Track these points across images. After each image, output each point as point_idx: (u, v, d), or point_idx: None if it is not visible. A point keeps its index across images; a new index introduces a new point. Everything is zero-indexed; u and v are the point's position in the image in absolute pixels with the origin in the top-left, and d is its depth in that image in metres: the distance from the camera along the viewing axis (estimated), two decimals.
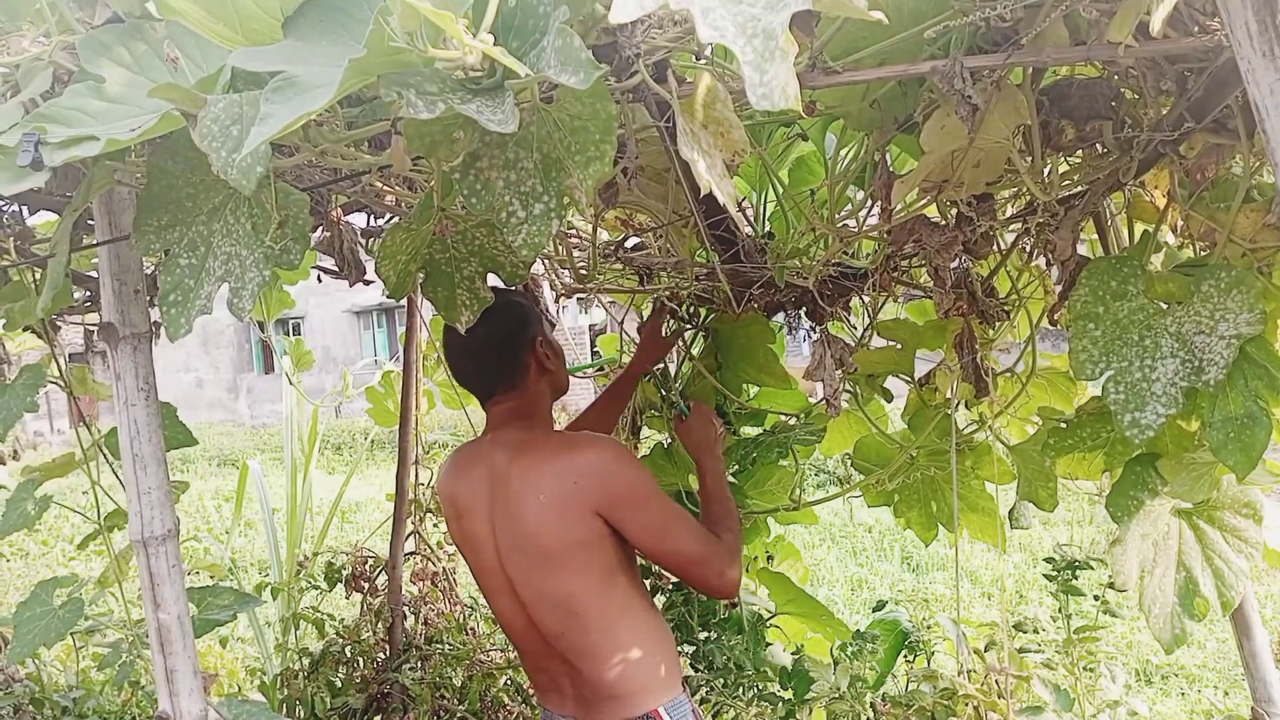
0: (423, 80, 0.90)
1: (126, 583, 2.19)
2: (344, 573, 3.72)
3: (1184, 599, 1.66)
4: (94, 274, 2.31)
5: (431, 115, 0.87)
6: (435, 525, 3.83)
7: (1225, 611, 1.67)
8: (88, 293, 2.41)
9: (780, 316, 2.49)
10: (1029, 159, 1.43)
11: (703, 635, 2.76)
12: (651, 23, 1.03)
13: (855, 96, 1.42)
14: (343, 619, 3.85)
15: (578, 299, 2.62)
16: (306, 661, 3.62)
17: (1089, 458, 1.85)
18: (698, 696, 2.67)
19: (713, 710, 2.68)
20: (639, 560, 2.07)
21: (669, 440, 2.83)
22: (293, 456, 4.95)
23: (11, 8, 1.21)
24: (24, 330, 2.27)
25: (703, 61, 1.17)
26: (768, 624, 2.84)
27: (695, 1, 0.78)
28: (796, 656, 2.75)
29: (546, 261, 2.39)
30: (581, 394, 15.08)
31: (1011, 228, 1.83)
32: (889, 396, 2.44)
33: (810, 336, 2.31)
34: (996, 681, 2.46)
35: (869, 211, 1.83)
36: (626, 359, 2.94)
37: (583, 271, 2.30)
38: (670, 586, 2.89)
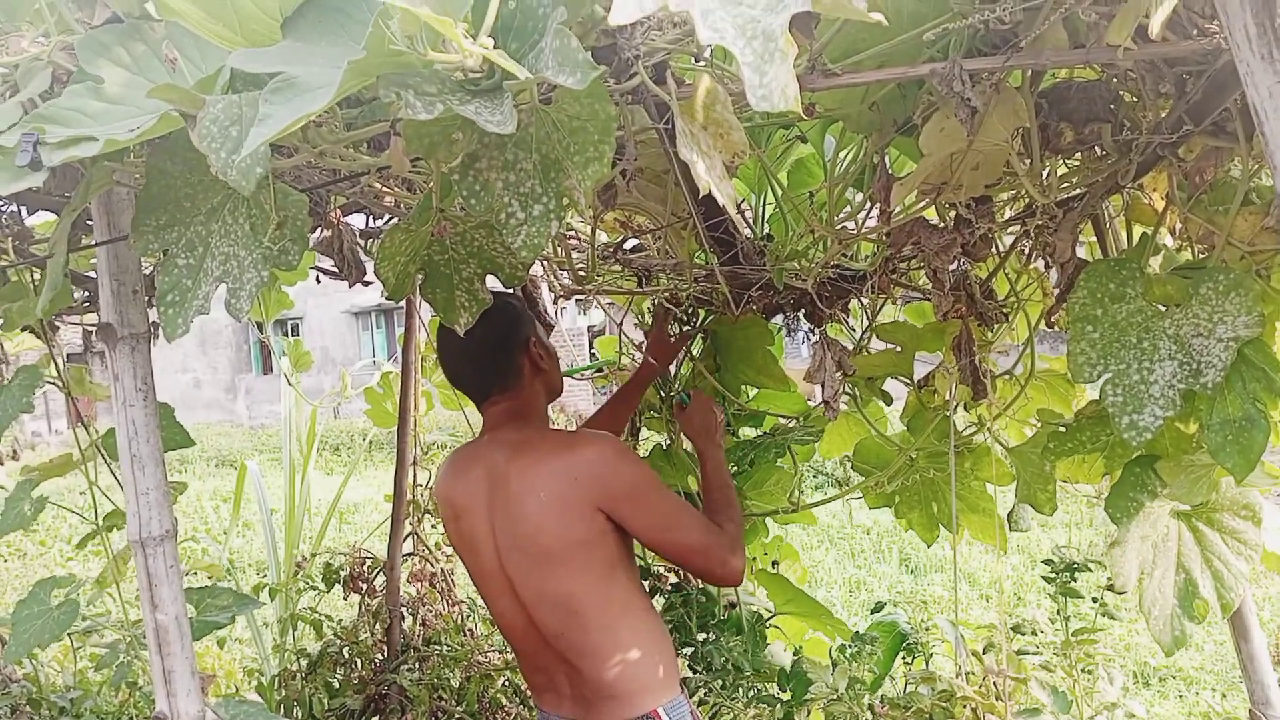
0: (421, 81, 0.90)
1: (124, 583, 2.19)
2: (342, 574, 3.71)
3: (1183, 601, 1.66)
4: (92, 274, 2.31)
5: (430, 116, 0.87)
6: (433, 526, 3.82)
7: (1225, 613, 1.67)
8: (86, 293, 2.41)
9: (779, 318, 2.49)
10: (1028, 161, 1.43)
11: (701, 636, 2.76)
12: (651, 24, 1.03)
13: (854, 99, 1.42)
14: (340, 620, 3.85)
15: (576, 300, 2.62)
16: (304, 662, 3.62)
17: (1088, 460, 1.85)
18: (696, 698, 2.67)
19: (711, 711, 2.68)
20: (638, 561, 2.07)
21: (668, 441, 2.83)
22: (291, 457, 4.95)
23: (10, 8, 1.21)
24: (22, 330, 2.27)
25: (702, 63, 1.17)
26: (767, 624, 2.84)
27: (695, 3, 0.77)
28: (795, 658, 2.75)
29: (545, 263, 2.39)
30: (580, 395, 15.09)
31: (1010, 230, 1.83)
32: (888, 399, 2.44)
33: (809, 338, 2.31)
34: (994, 683, 2.46)
35: (868, 214, 1.83)
36: (625, 360, 2.94)
37: (581, 273, 2.30)
38: (669, 588, 2.89)
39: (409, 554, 3.79)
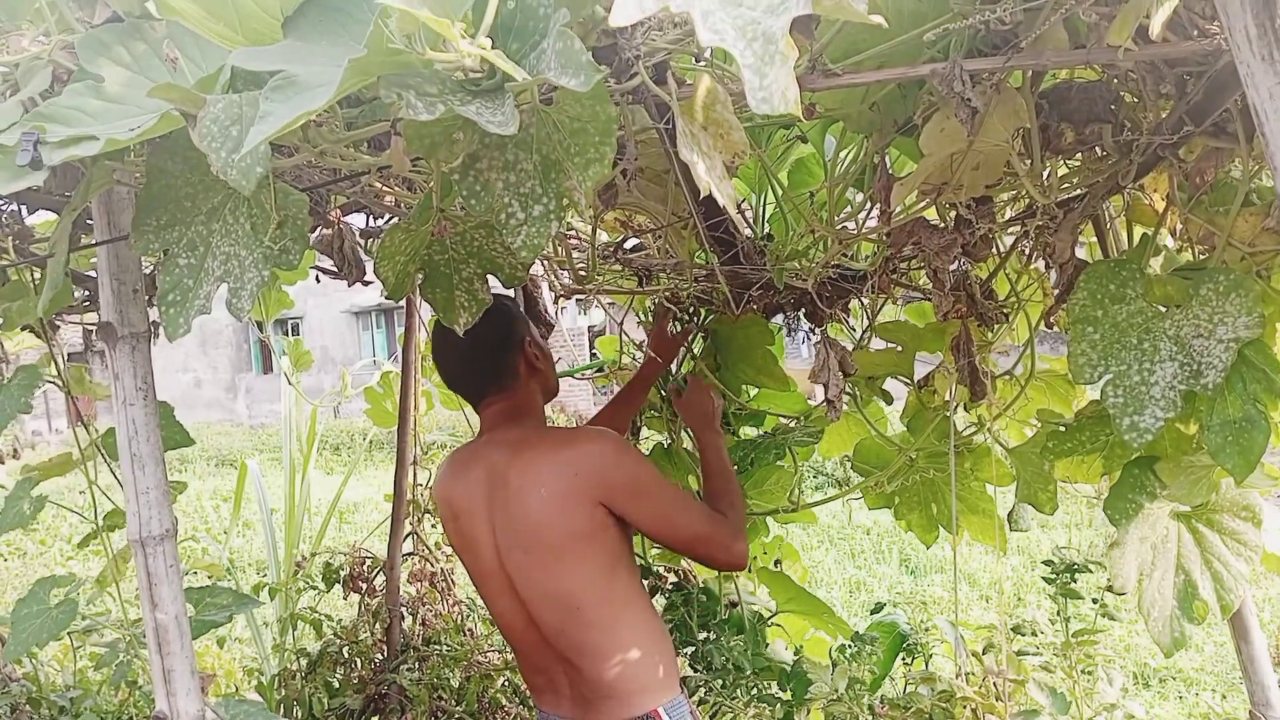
0: (422, 81, 0.90)
1: (124, 582, 2.19)
2: (342, 573, 3.71)
3: (1183, 602, 1.66)
4: (93, 274, 2.31)
5: (431, 117, 0.87)
6: (433, 526, 3.82)
7: (1225, 615, 1.67)
8: (86, 292, 2.41)
9: (779, 318, 2.49)
10: (1028, 162, 1.43)
11: (702, 636, 2.76)
12: (651, 25, 1.03)
13: (855, 99, 1.42)
14: (340, 619, 3.85)
15: (577, 300, 2.62)
16: (304, 662, 3.62)
17: (1088, 461, 1.85)
18: (696, 697, 2.67)
19: (711, 711, 2.68)
20: (638, 560, 2.07)
21: (669, 441, 2.83)
22: (291, 457, 4.95)
23: (11, 7, 1.20)
24: (22, 329, 2.27)
25: (702, 64, 1.17)
26: (769, 623, 2.85)
27: (695, 4, 0.77)
28: (795, 659, 2.75)
29: (545, 263, 2.39)
30: (580, 396, 15.09)
31: (1010, 230, 1.83)
32: (889, 399, 2.44)
33: (809, 338, 2.31)
34: (994, 684, 2.46)
35: (868, 214, 1.83)
36: (626, 360, 2.94)
37: (582, 273, 2.30)
38: (670, 587, 2.89)
39: (409, 554, 3.79)
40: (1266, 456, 1.41)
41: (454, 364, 2.05)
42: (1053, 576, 2.51)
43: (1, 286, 1.99)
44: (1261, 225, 1.46)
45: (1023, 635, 2.58)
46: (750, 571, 2.97)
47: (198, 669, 1.44)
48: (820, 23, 1.09)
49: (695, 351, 2.67)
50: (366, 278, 1.97)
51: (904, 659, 2.86)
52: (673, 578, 2.92)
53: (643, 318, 2.78)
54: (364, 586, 3.70)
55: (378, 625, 3.67)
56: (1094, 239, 1.87)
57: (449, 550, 3.78)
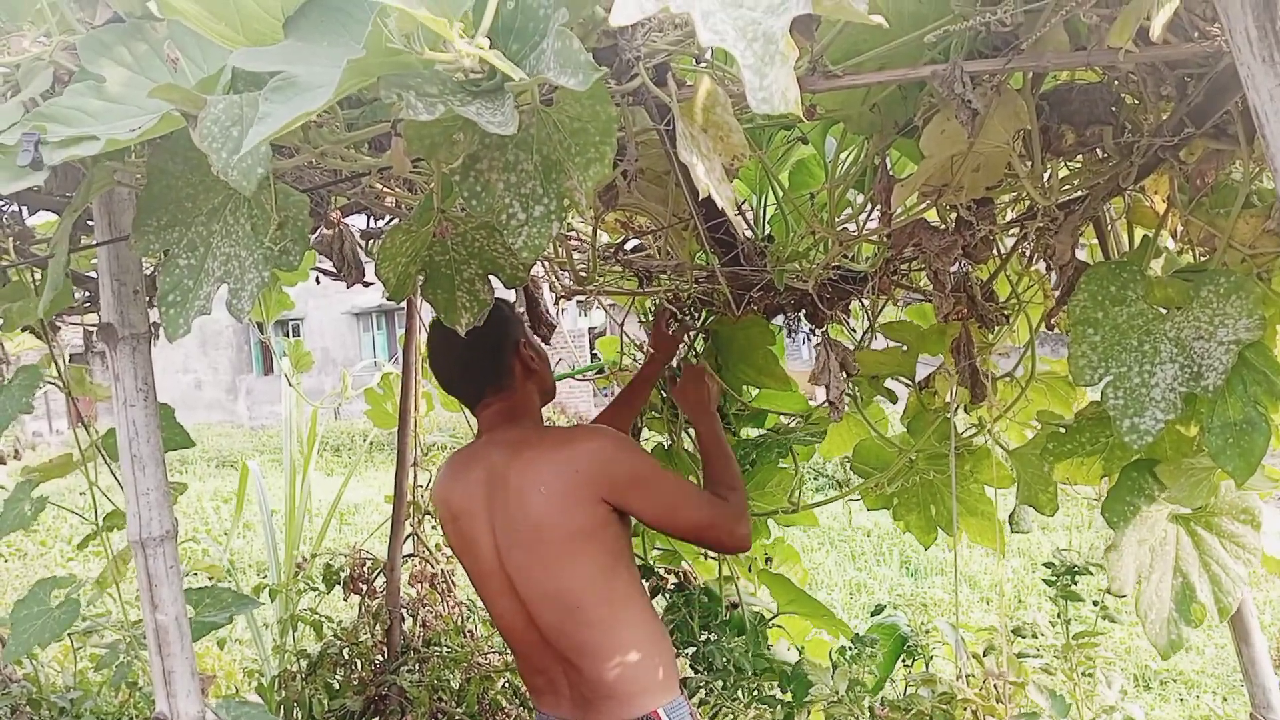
0: (423, 82, 0.90)
1: (124, 583, 2.19)
2: (342, 575, 3.71)
3: (1180, 605, 1.66)
4: (93, 274, 2.31)
5: (431, 117, 0.87)
6: (434, 527, 3.82)
7: (1222, 618, 1.67)
8: (87, 293, 2.41)
9: (780, 319, 2.49)
10: (1029, 163, 1.43)
11: (703, 637, 2.76)
12: (652, 26, 1.03)
13: (855, 100, 1.42)
14: (341, 621, 3.85)
15: (577, 301, 2.62)
16: (304, 663, 3.62)
17: (1088, 463, 1.85)
18: (696, 698, 2.67)
19: (711, 712, 2.68)
20: (638, 561, 2.08)
21: (669, 441, 2.83)
22: (291, 458, 4.95)
23: (12, 8, 1.21)
24: (23, 330, 2.27)
25: (703, 65, 1.17)
26: (770, 624, 2.85)
27: (695, 5, 0.77)
28: (797, 660, 2.75)
29: (546, 264, 2.39)
30: (581, 397, 15.09)
31: (1011, 232, 1.83)
32: (893, 398, 2.44)
33: (809, 339, 2.31)
34: (995, 686, 2.45)
35: (869, 215, 1.83)
36: (627, 361, 2.94)
37: (582, 274, 2.30)
38: (671, 588, 2.89)
39: (409, 555, 3.79)
40: (1267, 459, 1.41)
41: (450, 368, 2.06)
42: (1053, 579, 2.51)
43: (2, 287, 1.99)
44: (1262, 227, 1.46)
45: (1023, 637, 2.58)
46: (751, 573, 2.97)
47: (198, 670, 1.44)
48: (821, 24, 1.09)
49: (697, 350, 2.67)
50: (367, 279, 1.97)
51: (904, 661, 2.86)
52: (674, 579, 2.92)
53: (643, 319, 2.78)
54: (364, 588, 3.70)
55: (378, 627, 3.67)
56: (1095, 241, 1.87)
57: (449, 552, 3.78)
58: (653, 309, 2.70)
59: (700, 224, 1.87)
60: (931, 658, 2.88)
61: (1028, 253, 1.87)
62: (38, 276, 2.01)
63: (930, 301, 2.10)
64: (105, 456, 2.07)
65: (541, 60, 0.90)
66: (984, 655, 2.55)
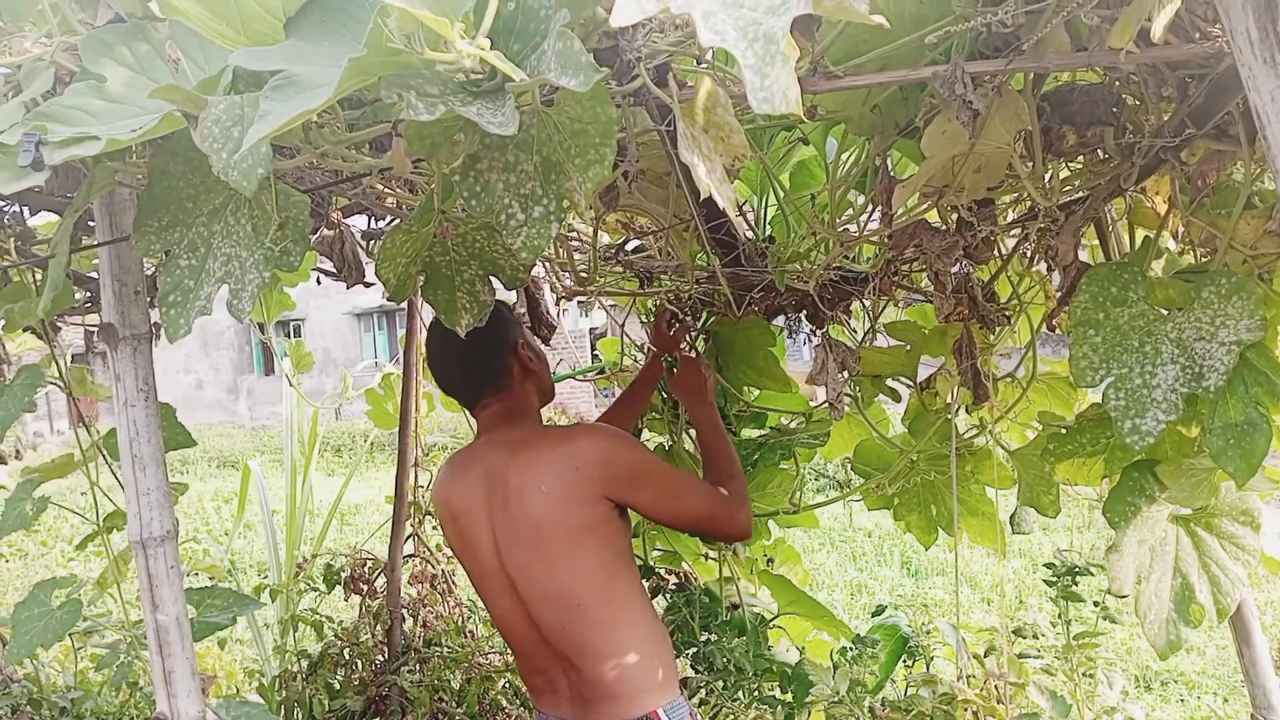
0: (423, 82, 0.90)
1: (125, 584, 2.19)
2: (343, 575, 3.71)
3: (1180, 605, 1.66)
4: (94, 275, 2.31)
5: (432, 117, 0.87)
6: (434, 528, 3.82)
7: (1221, 618, 1.67)
8: (88, 293, 2.41)
9: (780, 320, 2.49)
10: (1030, 164, 1.43)
11: (704, 637, 2.76)
12: (653, 26, 1.03)
13: (856, 101, 1.42)
14: (341, 621, 3.85)
15: (578, 302, 2.62)
16: (305, 664, 3.62)
17: (1089, 463, 1.85)
18: (696, 699, 2.67)
19: (711, 713, 2.68)
20: (638, 561, 2.08)
21: (670, 442, 2.83)
22: (292, 458, 4.95)
23: (14, 8, 1.21)
24: (24, 331, 2.27)
25: (704, 66, 1.17)
26: (770, 625, 2.84)
27: (696, 5, 0.77)
28: (798, 660, 2.75)
29: (547, 264, 2.39)
30: (581, 397, 15.09)
31: (1012, 233, 1.83)
32: (896, 397, 2.44)
33: (810, 340, 2.32)
34: (995, 687, 2.45)
35: (870, 216, 1.83)
36: (628, 361, 2.95)
37: (583, 274, 2.31)
38: (672, 589, 2.89)
39: (410, 555, 3.80)
40: (1268, 459, 1.41)
41: (449, 369, 2.07)
42: (1054, 579, 2.51)
43: (3, 288, 1.99)
44: (1263, 228, 1.45)
45: (1024, 638, 2.58)
46: (752, 574, 2.97)
47: (198, 670, 1.44)
48: (822, 24, 1.09)
49: (699, 351, 2.67)
50: (368, 279, 1.97)
51: (905, 661, 2.86)
52: (674, 579, 2.92)
53: (644, 321, 2.78)
54: (365, 588, 3.70)
55: (379, 627, 3.67)
56: (1096, 242, 1.87)
57: (450, 552, 3.78)
58: (654, 310, 2.70)
59: (701, 225, 1.87)
60: (932, 658, 2.88)
61: (1029, 254, 1.87)
62: (39, 277, 2.01)
63: (931, 302, 2.10)
64: (106, 456, 2.07)
65: (542, 61, 0.90)
66: (985, 656, 2.55)
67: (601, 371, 3.08)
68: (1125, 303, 1.41)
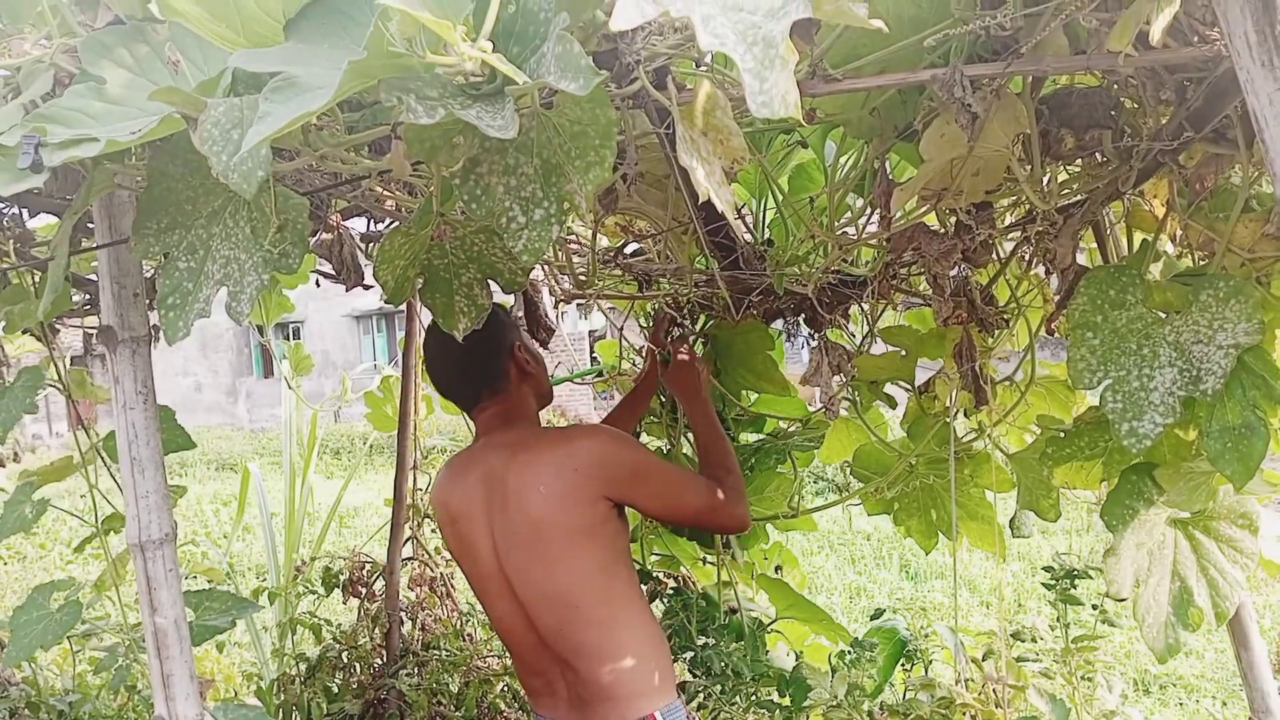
0: (423, 85, 0.90)
1: (124, 587, 2.19)
2: (341, 578, 3.71)
3: (1178, 609, 1.66)
4: (93, 277, 2.31)
5: (431, 120, 0.87)
6: (433, 531, 3.82)
7: (1220, 622, 1.67)
8: (87, 296, 2.41)
9: (779, 323, 2.49)
10: (1028, 167, 1.43)
11: (701, 641, 2.76)
12: (652, 30, 1.04)
13: (855, 104, 1.43)
14: (340, 624, 3.84)
15: (577, 305, 2.62)
16: (303, 667, 3.61)
17: (1087, 467, 1.85)
18: (694, 703, 2.67)
19: (709, 717, 2.68)
20: (636, 565, 2.09)
21: (669, 446, 2.83)
22: (291, 461, 4.95)
23: (13, 10, 1.21)
24: (23, 333, 2.27)
25: (703, 69, 1.17)
26: (768, 629, 2.84)
27: (695, 9, 0.78)
28: (795, 664, 2.75)
29: (546, 267, 2.39)
30: (580, 400, 15.09)
31: (1010, 236, 1.83)
32: (892, 403, 2.44)
33: (809, 343, 2.32)
34: (994, 690, 2.45)
35: (868, 219, 1.83)
36: (626, 365, 2.95)
37: (582, 277, 2.31)
38: (669, 592, 2.89)
39: (409, 558, 3.79)
40: (1266, 462, 1.41)
41: (446, 372, 2.08)
42: (1053, 583, 2.51)
43: (2, 290, 1.99)
44: (1261, 231, 1.46)
45: (1022, 641, 2.58)
46: (750, 577, 2.97)
47: (197, 674, 1.44)
48: (821, 28, 1.09)
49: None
50: (366, 282, 1.97)
51: (904, 665, 2.86)
52: (672, 583, 2.92)
53: (643, 326, 2.78)
54: (363, 591, 3.70)
55: (377, 630, 3.66)
56: (1094, 245, 1.87)
57: (448, 555, 3.78)
58: (652, 313, 2.70)
59: (700, 228, 1.87)
60: (931, 662, 2.88)
61: (1027, 257, 1.88)
62: (38, 279, 2.01)
63: (930, 305, 2.11)
64: (105, 459, 2.07)
65: (542, 64, 0.90)
66: (983, 659, 2.55)
67: (600, 375, 3.08)
68: (1123, 305, 1.41)
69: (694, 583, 2.96)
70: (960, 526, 2.33)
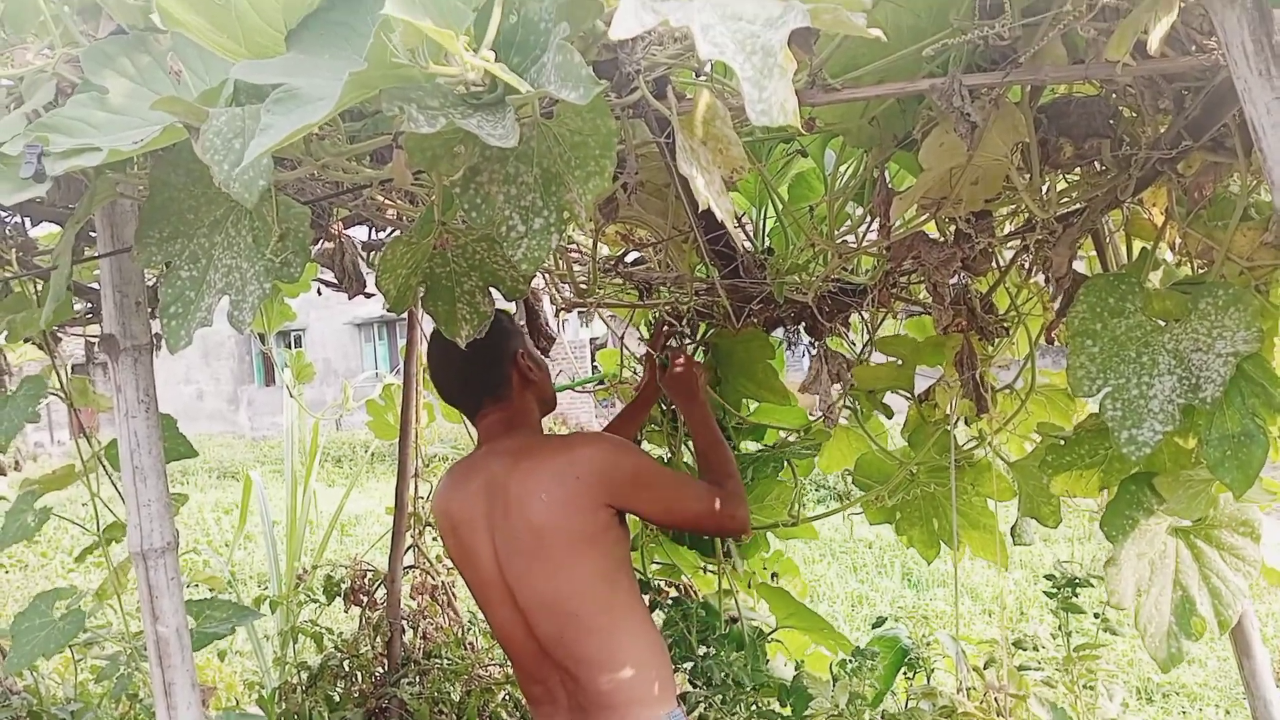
0: (424, 95, 0.90)
1: (125, 595, 2.19)
2: (343, 586, 3.71)
3: (1180, 618, 1.66)
4: (96, 286, 2.31)
5: (432, 130, 0.88)
6: (434, 539, 3.81)
7: (1222, 630, 1.66)
8: (89, 304, 2.41)
9: (779, 332, 2.49)
10: (1027, 176, 1.43)
11: (701, 651, 2.75)
12: (652, 39, 1.04)
13: (854, 113, 1.43)
14: (341, 633, 3.84)
15: (578, 313, 2.63)
16: (305, 675, 3.61)
17: (1086, 475, 1.85)
18: (695, 713, 2.66)
19: None
20: (637, 576, 2.09)
21: (669, 454, 2.83)
22: (293, 469, 4.94)
23: (16, 20, 1.21)
24: (25, 341, 2.28)
25: (702, 78, 1.18)
26: (769, 639, 2.84)
27: (695, 18, 0.78)
28: (796, 674, 2.74)
29: (547, 276, 2.39)
30: (582, 408, 15.09)
31: (1010, 244, 1.83)
32: (889, 413, 2.44)
33: (810, 352, 2.32)
34: (996, 699, 2.45)
35: (868, 228, 1.84)
36: (627, 373, 2.95)
37: (583, 286, 2.31)
38: (669, 602, 2.89)
39: (410, 567, 3.79)
40: (1265, 470, 1.41)
41: (449, 379, 2.08)
42: (1055, 591, 2.50)
43: (5, 298, 1.99)
44: (1260, 240, 1.46)
45: (1024, 650, 2.57)
46: (750, 587, 2.96)
47: (198, 682, 1.44)
48: (819, 37, 1.09)
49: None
50: (368, 290, 1.98)
51: (905, 674, 2.85)
52: (673, 593, 2.92)
53: (643, 336, 2.79)
54: (365, 600, 3.69)
55: (378, 639, 3.66)
56: (1093, 253, 1.88)
57: (450, 563, 3.78)
58: (652, 322, 2.70)
59: (700, 236, 1.88)
60: (932, 670, 2.87)
61: (1026, 265, 1.88)
62: (40, 288, 2.01)
63: (929, 314, 2.11)
64: (107, 467, 2.07)
65: (542, 74, 0.90)
66: (985, 668, 2.54)
67: (600, 382, 3.08)
68: (1122, 313, 1.41)
69: (695, 592, 2.96)
70: (962, 535, 2.33)
